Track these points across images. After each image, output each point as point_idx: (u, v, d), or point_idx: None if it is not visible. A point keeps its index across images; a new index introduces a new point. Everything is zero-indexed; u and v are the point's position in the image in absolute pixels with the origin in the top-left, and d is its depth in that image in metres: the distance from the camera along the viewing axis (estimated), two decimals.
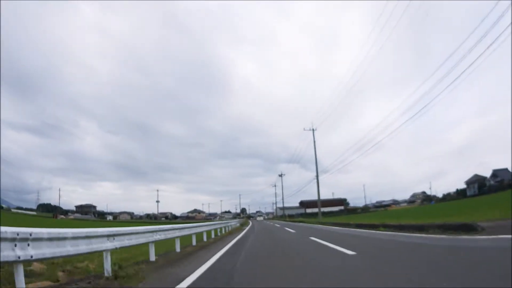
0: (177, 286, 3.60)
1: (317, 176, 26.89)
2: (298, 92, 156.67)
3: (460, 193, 55.95)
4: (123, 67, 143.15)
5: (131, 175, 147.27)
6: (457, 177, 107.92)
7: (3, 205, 67.27)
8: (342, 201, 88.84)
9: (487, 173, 54.68)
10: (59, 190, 74.51)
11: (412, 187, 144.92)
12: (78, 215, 76.87)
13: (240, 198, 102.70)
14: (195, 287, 3.60)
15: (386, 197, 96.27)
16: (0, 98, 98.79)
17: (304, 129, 30.29)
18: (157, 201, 76.60)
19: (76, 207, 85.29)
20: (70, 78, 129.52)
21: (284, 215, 75.50)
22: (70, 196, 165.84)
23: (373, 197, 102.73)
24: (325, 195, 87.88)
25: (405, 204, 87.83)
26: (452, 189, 62.18)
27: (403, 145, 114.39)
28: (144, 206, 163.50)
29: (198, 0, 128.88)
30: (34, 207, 79.39)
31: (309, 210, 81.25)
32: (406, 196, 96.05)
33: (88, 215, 78.35)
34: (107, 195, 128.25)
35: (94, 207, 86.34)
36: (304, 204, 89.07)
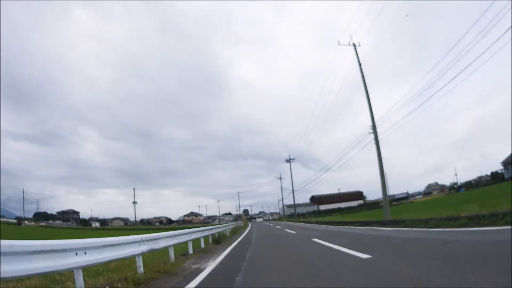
0: None
1: (373, 125, 15.38)
2: (300, 90, 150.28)
3: (496, 176, 48.17)
4: (122, 74, 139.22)
5: (134, 181, 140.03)
6: (468, 166, 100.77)
7: None
8: (360, 194, 77.79)
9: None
10: (23, 192, 65.66)
11: (416, 180, 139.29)
12: (59, 222, 68.59)
13: (239, 198, 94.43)
14: None
15: (393, 191, 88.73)
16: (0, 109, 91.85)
17: (340, 43, 18.16)
18: (134, 202, 63.24)
19: (58, 213, 76.67)
20: (69, 87, 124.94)
21: (296, 213, 58.32)
22: (74, 204, 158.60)
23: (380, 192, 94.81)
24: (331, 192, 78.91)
25: (421, 196, 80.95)
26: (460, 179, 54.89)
27: (405, 138, 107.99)
28: (148, 211, 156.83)
29: (195, 2, 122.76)
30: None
31: (322, 207, 70.84)
32: (413, 188, 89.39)
33: (70, 222, 69.68)
34: (110, 202, 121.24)
35: (77, 213, 77.25)
36: (316, 200, 77.49)
